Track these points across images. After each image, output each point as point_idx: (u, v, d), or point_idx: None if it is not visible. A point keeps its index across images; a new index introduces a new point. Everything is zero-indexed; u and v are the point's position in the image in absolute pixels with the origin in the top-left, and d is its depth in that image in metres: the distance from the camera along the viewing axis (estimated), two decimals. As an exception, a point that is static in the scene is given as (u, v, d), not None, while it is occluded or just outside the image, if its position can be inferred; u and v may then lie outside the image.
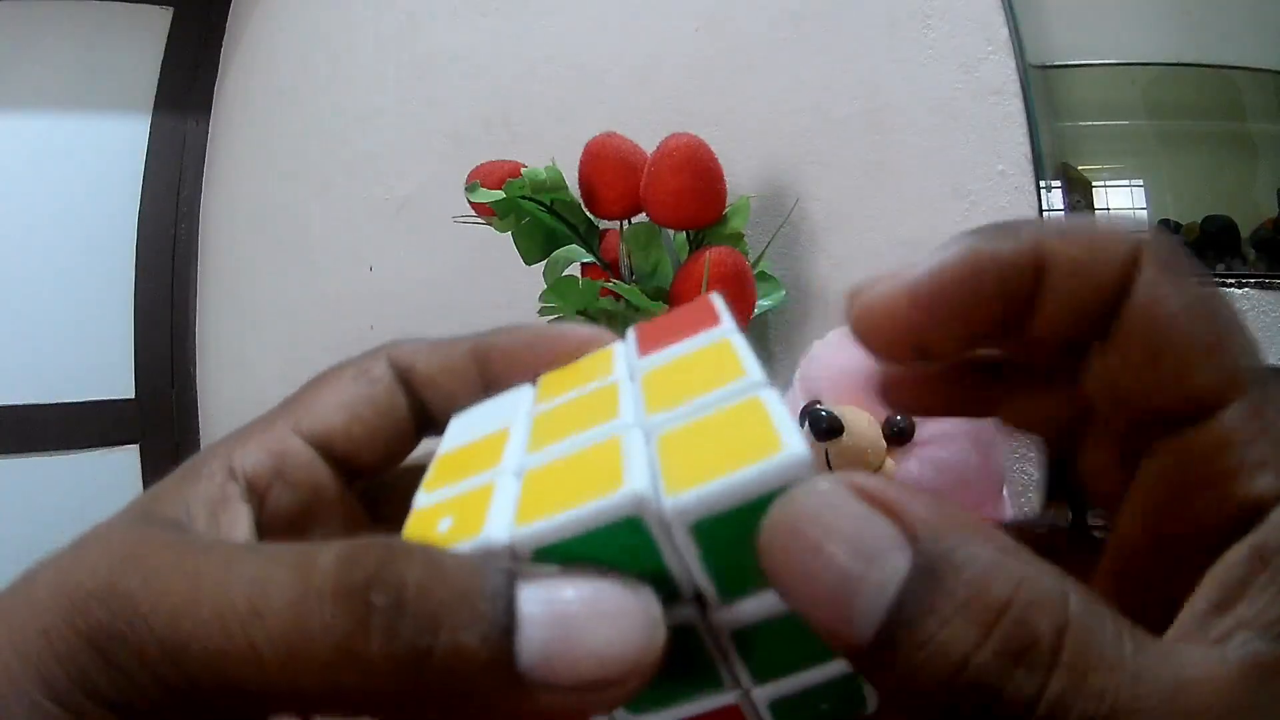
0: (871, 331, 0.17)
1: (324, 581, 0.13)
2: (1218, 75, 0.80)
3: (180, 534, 0.15)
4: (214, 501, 0.16)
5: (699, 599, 0.14)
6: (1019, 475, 0.83)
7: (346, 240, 1.53)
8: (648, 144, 0.87)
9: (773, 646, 0.14)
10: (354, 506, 0.19)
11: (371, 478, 0.19)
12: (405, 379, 0.19)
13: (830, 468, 0.68)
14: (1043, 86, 0.83)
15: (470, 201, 0.89)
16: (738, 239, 0.88)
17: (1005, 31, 0.82)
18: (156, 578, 0.13)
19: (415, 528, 0.15)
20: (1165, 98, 0.83)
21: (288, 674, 0.13)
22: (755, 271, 0.88)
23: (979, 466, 0.71)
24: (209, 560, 0.13)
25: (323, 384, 0.19)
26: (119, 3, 1.82)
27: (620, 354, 0.18)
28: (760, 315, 0.91)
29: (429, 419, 0.19)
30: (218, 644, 0.13)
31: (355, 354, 0.19)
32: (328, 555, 0.13)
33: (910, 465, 0.69)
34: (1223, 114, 0.82)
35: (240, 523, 0.16)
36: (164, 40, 1.86)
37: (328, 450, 0.18)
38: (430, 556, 0.13)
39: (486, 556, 0.13)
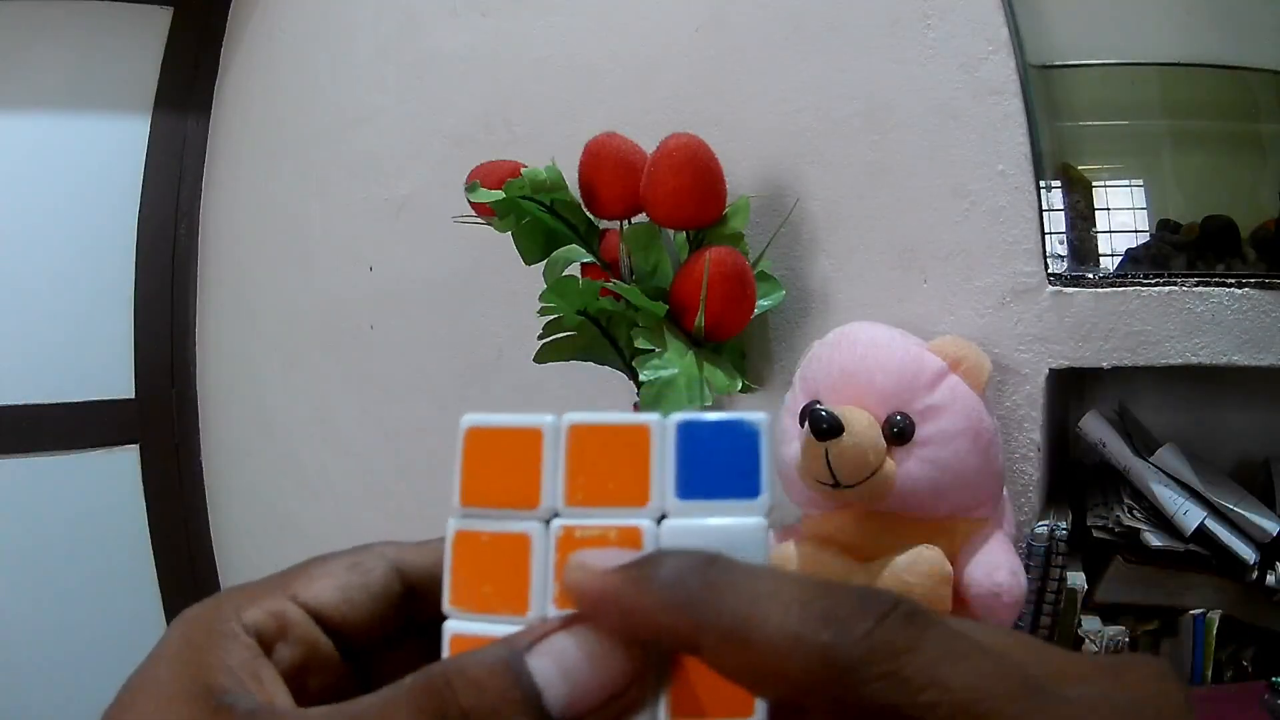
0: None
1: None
2: (1218, 75, 0.80)
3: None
4: (250, 665, 0.19)
5: None
6: (1019, 475, 0.83)
7: (346, 240, 1.53)
8: (648, 144, 0.87)
9: None
10: (346, 666, 0.22)
11: (360, 647, 0.22)
12: (400, 572, 0.22)
13: (830, 467, 0.68)
14: (1043, 86, 0.83)
15: (470, 201, 0.89)
16: (738, 239, 0.88)
17: (1005, 31, 0.82)
18: None
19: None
20: (1165, 97, 0.83)
21: None
22: (755, 271, 0.88)
23: (979, 467, 0.71)
24: None
25: (315, 566, 0.22)
26: (119, 3, 1.82)
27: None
28: (760, 315, 0.91)
29: (417, 605, 0.22)
30: None
31: (343, 548, 0.23)
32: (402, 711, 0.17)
33: (910, 465, 0.69)
34: (1223, 114, 0.82)
35: (278, 686, 0.20)
36: (164, 40, 1.86)
37: (320, 620, 0.21)
38: (471, 676, 0.18)
39: (504, 651, 0.18)
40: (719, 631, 0.17)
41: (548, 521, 0.20)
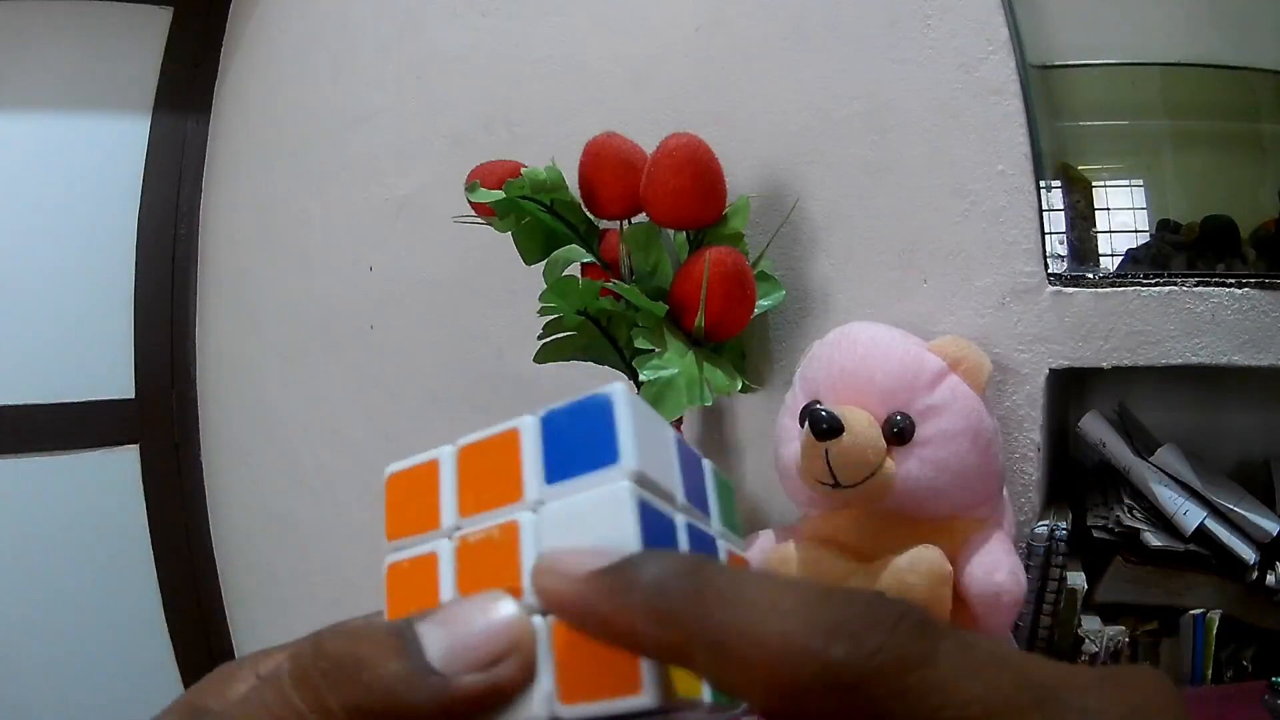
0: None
1: (283, 677, 0.18)
2: (1218, 75, 0.80)
3: None
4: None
5: None
6: (1019, 475, 0.83)
7: (346, 240, 1.53)
8: (648, 144, 0.87)
9: None
10: None
11: None
12: None
13: (830, 467, 0.68)
14: (1043, 86, 0.83)
15: (470, 201, 0.89)
16: (738, 239, 0.88)
17: (1005, 31, 0.82)
18: None
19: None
20: (1166, 97, 0.83)
21: None
22: (755, 271, 0.88)
23: (979, 466, 0.71)
24: None
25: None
26: (119, 3, 1.82)
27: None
28: (760, 315, 0.91)
29: None
30: None
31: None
32: (280, 661, 0.18)
33: (910, 465, 0.69)
34: (1223, 114, 0.82)
35: None
36: (164, 40, 1.86)
37: None
38: (346, 628, 0.18)
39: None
40: (712, 645, 0.16)
41: (451, 537, 0.22)
